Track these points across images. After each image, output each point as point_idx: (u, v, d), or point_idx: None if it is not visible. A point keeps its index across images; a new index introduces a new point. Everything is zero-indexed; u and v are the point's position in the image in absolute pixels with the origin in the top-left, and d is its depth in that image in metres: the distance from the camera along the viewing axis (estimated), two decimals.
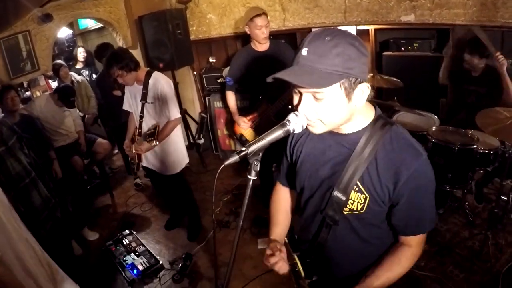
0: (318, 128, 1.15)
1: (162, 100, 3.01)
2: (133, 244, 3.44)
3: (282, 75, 1.06)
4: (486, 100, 3.34)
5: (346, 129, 1.22)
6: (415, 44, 4.11)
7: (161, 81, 3.02)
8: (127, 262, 3.22)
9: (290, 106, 3.36)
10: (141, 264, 3.17)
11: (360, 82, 1.08)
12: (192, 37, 5.02)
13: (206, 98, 5.00)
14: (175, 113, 3.07)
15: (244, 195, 1.21)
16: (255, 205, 3.86)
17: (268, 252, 1.38)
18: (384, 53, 4.22)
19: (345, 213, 1.26)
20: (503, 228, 3.18)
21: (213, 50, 5.38)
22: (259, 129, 3.43)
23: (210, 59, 5.17)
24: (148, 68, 3.16)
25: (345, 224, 1.30)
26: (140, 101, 3.05)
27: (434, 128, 3.14)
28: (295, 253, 1.48)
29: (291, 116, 1.12)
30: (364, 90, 1.10)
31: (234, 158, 1.10)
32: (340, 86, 1.06)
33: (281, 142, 1.26)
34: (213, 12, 4.87)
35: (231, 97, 3.54)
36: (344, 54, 1.02)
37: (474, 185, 3.59)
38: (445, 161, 2.91)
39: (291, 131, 1.12)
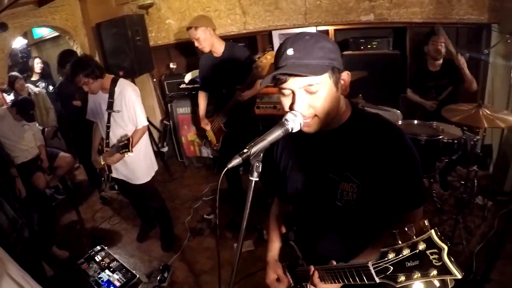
0: (313, 125, 1.22)
1: (130, 108, 3.01)
2: (107, 260, 3.36)
3: (281, 71, 1.14)
4: (448, 92, 3.65)
5: (331, 125, 1.29)
6: (373, 43, 4.32)
7: (127, 88, 3.02)
8: (102, 279, 3.15)
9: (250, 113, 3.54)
10: (118, 280, 3.12)
11: (341, 72, 1.20)
12: (151, 43, 5.01)
13: (168, 105, 5.00)
14: (143, 121, 3.10)
15: (247, 197, 1.23)
16: (226, 208, 3.96)
17: (273, 277, 1.57)
18: (344, 53, 4.40)
19: (343, 204, 1.30)
20: (470, 212, 3.47)
21: (173, 56, 5.41)
22: (214, 132, 3.63)
23: (171, 65, 5.19)
24: (113, 76, 3.15)
25: (344, 214, 1.33)
26: (106, 110, 3.03)
27: (400, 122, 3.35)
28: (291, 240, 1.53)
29: (288, 116, 1.18)
30: (345, 78, 1.22)
31: (237, 160, 1.13)
32: (329, 75, 1.16)
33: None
34: (172, 17, 4.88)
35: (201, 97, 3.72)
36: (325, 47, 1.14)
37: (438, 174, 3.84)
38: None
39: (290, 130, 1.17)
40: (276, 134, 1.16)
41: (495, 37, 3.70)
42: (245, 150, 1.14)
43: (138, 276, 3.17)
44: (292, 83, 1.15)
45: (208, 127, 3.63)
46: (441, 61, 3.68)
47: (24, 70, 5.64)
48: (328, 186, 1.32)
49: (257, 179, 1.18)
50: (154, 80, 5.48)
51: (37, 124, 4.35)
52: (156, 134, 5.36)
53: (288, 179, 1.49)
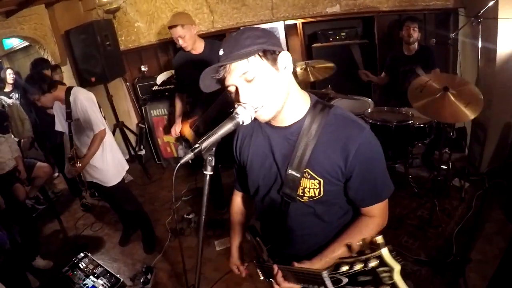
0: (265, 113, 1.22)
1: (84, 115, 3.08)
2: (90, 266, 3.43)
3: (207, 69, 1.21)
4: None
5: (287, 120, 1.29)
6: (342, 34, 4.45)
7: (79, 97, 3.08)
8: (87, 285, 3.21)
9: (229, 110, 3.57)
10: (102, 286, 3.19)
11: (278, 52, 1.19)
12: (122, 47, 5.10)
13: (142, 108, 5.07)
14: (99, 125, 3.13)
15: (203, 192, 1.26)
16: (207, 209, 4.02)
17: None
18: (313, 45, 4.51)
19: (306, 201, 1.31)
20: (448, 195, 3.58)
21: (144, 58, 5.51)
22: (198, 133, 3.59)
23: (142, 68, 5.27)
24: (68, 86, 3.23)
25: (308, 211, 1.36)
26: (66, 120, 3.14)
27: (369, 110, 3.44)
28: (256, 237, 1.58)
29: (239, 109, 1.18)
30: (286, 57, 1.21)
31: (189, 156, 1.15)
32: (261, 58, 1.16)
33: (226, 143, 1.37)
34: (141, 20, 4.96)
35: (176, 98, 3.72)
36: (252, 35, 1.16)
37: (421, 158, 3.97)
38: (384, 139, 3.13)
39: (241, 123, 1.18)
40: (227, 127, 1.17)
41: (462, 21, 3.83)
42: (196, 145, 1.16)
43: (122, 280, 3.25)
44: (229, 78, 1.18)
45: (187, 129, 3.64)
46: (416, 46, 3.81)
47: None
48: (289, 183, 1.32)
49: (211, 173, 1.22)
50: (128, 84, 5.55)
51: (13, 136, 4.39)
52: (133, 138, 5.42)
53: (248, 175, 1.50)
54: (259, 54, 1.15)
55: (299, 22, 4.48)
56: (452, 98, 2.82)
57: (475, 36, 3.34)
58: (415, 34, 3.73)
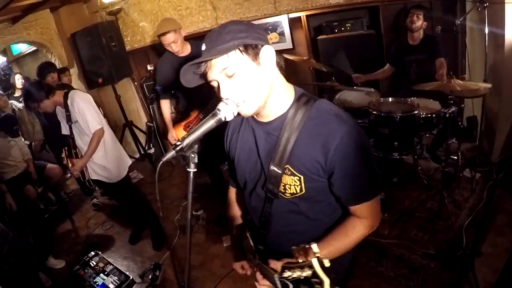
0: (247, 109, 1.20)
1: (81, 116, 3.19)
2: (101, 265, 3.51)
3: (188, 64, 1.18)
4: (427, 66, 3.69)
5: (270, 115, 1.27)
6: (347, 25, 4.37)
7: (75, 99, 3.19)
8: (97, 283, 3.30)
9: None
10: (112, 283, 3.27)
11: (261, 47, 1.16)
12: (128, 47, 5.15)
13: (150, 107, 5.12)
14: (95, 125, 3.22)
15: (187, 189, 1.25)
16: (213, 205, 4.06)
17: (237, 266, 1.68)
18: (319, 37, 4.46)
19: (289, 197, 1.29)
20: (458, 186, 3.50)
21: (151, 57, 5.53)
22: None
23: (148, 67, 5.29)
24: (65, 90, 3.34)
25: (292, 207, 1.33)
26: (67, 123, 3.25)
27: (374, 101, 3.38)
28: (248, 232, 1.56)
29: (221, 105, 1.18)
30: (268, 51, 1.17)
31: (171, 153, 1.15)
32: (242, 53, 1.14)
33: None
34: (145, 19, 4.98)
35: (164, 105, 3.70)
36: (234, 30, 1.13)
37: (425, 151, 3.89)
38: (389, 131, 3.15)
39: (223, 119, 1.17)
40: (208, 124, 1.17)
41: (470, 7, 3.69)
42: (178, 143, 1.16)
43: (131, 277, 3.32)
44: (210, 74, 1.17)
45: (181, 132, 3.61)
46: (421, 35, 3.71)
47: (7, 87, 5.81)
48: (271, 179, 1.30)
49: (195, 169, 1.21)
50: (135, 83, 5.60)
51: (23, 139, 4.50)
52: (142, 137, 5.47)
53: (236, 170, 1.50)
54: (239, 49, 1.13)
55: (303, 14, 4.42)
56: (458, 81, 2.88)
57: (482, 22, 3.24)
58: (419, 22, 3.64)
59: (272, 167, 1.28)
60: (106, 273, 3.40)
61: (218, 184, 4.02)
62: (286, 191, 1.29)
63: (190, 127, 3.57)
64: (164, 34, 3.19)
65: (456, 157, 3.50)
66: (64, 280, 3.62)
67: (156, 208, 3.91)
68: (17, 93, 5.38)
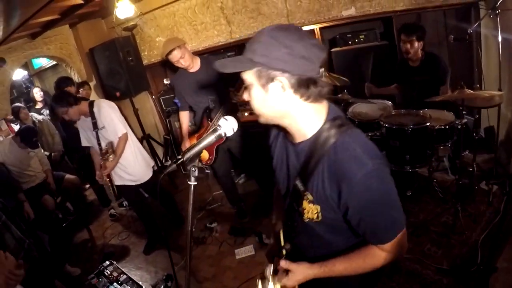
0: (259, 118, 1.23)
1: (108, 121, 3.40)
2: (115, 274, 3.53)
3: (227, 60, 1.21)
4: (430, 88, 3.47)
5: (295, 137, 1.26)
6: (361, 36, 4.39)
7: (103, 105, 3.43)
8: None
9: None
10: None
11: (277, 76, 1.10)
12: (145, 61, 5.25)
13: (167, 120, 5.19)
14: (121, 129, 3.46)
15: (188, 201, 1.32)
16: (229, 217, 4.11)
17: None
18: (332, 50, 4.47)
19: (306, 221, 1.30)
20: (474, 199, 3.40)
21: (168, 71, 5.63)
22: (210, 146, 3.57)
23: (165, 81, 5.38)
24: (89, 100, 3.57)
25: (309, 230, 1.35)
26: (93, 130, 3.41)
27: (386, 113, 3.35)
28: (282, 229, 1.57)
29: (221, 121, 1.26)
30: (280, 86, 1.12)
31: (172, 167, 1.25)
32: (254, 75, 1.12)
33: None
34: (161, 34, 5.08)
35: (182, 118, 3.84)
36: (266, 43, 1.08)
37: (447, 160, 3.80)
38: (401, 143, 3.12)
39: (223, 135, 1.25)
40: (209, 139, 1.24)
41: (483, 14, 3.65)
42: (179, 157, 1.23)
43: (144, 287, 3.35)
44: (241, 73, 1.17)
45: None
46: (420, 55, 3.48)
47: (30, 99, 6.02)
48: (294, 196, 1.31)
49: (195, 183, 1.28)
50: (153, 97, 5.70)
51: (43, 150, 4.63)
52: (160, 150, 5.54)
53: (275, 173, 1.51)
54: (253, 71, 1.12)
55: (316, 27, 4.45)
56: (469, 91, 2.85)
57: (496, 29, 3.19)
58: (414, 47, 3.40)
59: (295, 188, 1.30)
60: (119, 282, 3.42)
61: (234, 196, 4.12)
62: (305, 214, 1.30)
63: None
64: (170, 52, 3.34)
65: (471, 169, 3.41)
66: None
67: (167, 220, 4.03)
68: (38, 106, 5.56)
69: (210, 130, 1.25)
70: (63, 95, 3.36)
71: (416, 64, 3.56)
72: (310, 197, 1.24)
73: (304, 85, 1.12)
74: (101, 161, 3.47)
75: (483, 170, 3.63)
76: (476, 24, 3.44)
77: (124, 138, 3.49)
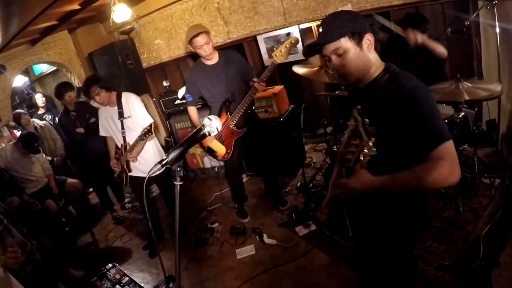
0: (348, 80, 1.55)
1: (136, 111, 3.55)
2: (117, 276, 3.55)
3: (306, 44, 1.52)
4: (429, 74, 3.44)
5: (365, 81, 1.55)
6: None
7: (131, 97, 3.60)
8: None
9: (249, 111, 3.59)
10: None
11: (363, 34, 1.46)
12: (145, 64, 5.29)
13: (167, 122, 5.20)
14: (149, 118, 3.58)
15: (175, 201, 1.33)
16: (229, 217, 4.12)
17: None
18: None
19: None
20: (475, 193, 3.34)
21: (168, 73, 5.64)
22: (222, 140, 3.57)
23: (164, 83, 5.40)
24: (117, 92, 3.68)
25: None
26: (119, 119, 3.54)
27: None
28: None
29: (205, 121, 1.30)
30: (369, 39, 1.48)
31: (157, 167, 1.26)
32: (349, 39, 1.44)
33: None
34: (159, 37, 5.12)
35: (192, 112, 3.76)
36: (344, 20, 1.45)
37: None
38: None
39: (207, 134, 1.29)
40: (194, 139, 1.27)
41: (481, 6, 3.61)
42: (164, 157, 1.24)
43: None
44: (325, 52, 1.50)
45: (211, 140, 3.55)
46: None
47: (32, 105, 6.08)
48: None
49: (181, 183, 1.27)
50: (154, 99, 5.73)
51: (44, 155, 4.67)
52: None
53: None
54: (348, 35, 1.44)
55: (313, 24, 4.44)
56: (467, 83, 2.85)
57: (493, 20, 3.14)
58: (419, 37, 3.29)
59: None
60: (122, 284, 3.44)
61: (237, 196, 4.11)
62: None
63: (219, 133, 3.46)
64: (196, 35, 3.25)
65: (472, 162, 3.36)
66: None
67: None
68: (40, 111, 5.61)
69: (195, 130, 1.25)
70: (101, 78, 3.57)
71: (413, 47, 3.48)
72: (371, 121, 1.37)
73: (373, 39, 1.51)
74: (125, 154, 3.58)
75: (485, 164, 3.57)
76: (473, 16, 3.39)
77: (154, 126, 3.51)
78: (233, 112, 3.43)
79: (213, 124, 1.27)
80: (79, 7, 3.82)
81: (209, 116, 1.28)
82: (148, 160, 3.62)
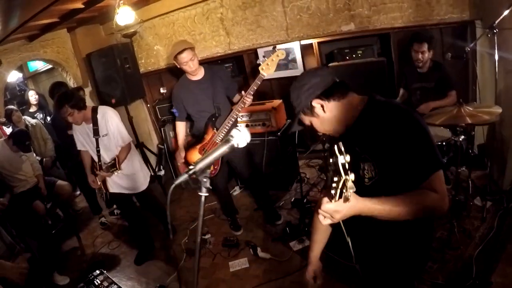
0: (334, 133, 1.62)
1: (113, 129, 3.38)
2: (105, 284, 3.42)
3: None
4: (432, 95, 3.64)
5: (348, 125, 1.56)
6: (358, 52, 4.44)
7: (108, 112, 3.39)
8: None
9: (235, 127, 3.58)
10: None
11: (310, 105, 1.52)
12: (142, 69, 5.24)
13: (162, 129, 5.17)
14: (127, 137, 3.50)
15: (199, 213, 1.33)
16: (222, 228, 4.09)
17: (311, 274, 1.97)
18: (330, 64, 4.51)
19: (368, 184, 1.49)
20: (468, 215, 3.41)
21: (164, 80, 5.60)
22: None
23: (161, 90, 5.36)
24: (92, 105, 3.49)
25: (372, 194, 1.38)
26: (94, 137, 3.35)
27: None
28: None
29: (234, 132, 1.27)
30: (318, 103, 1.51)
31: (184, 177, 1.22)
32: (304, 114, 1.57)
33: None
34: (159, 43, 5.10)
35: (179, 128, 3.77)
36: (293, 99, 1.58)
37: None
38: None
39: (235, 146, 1.26)
40: (221, 150, 1.24)
41: (480, 33, 3.70)
42: (191, 167, 1.21)
43: None
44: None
45: (197, 156, 3.57)
46: (428, 62, 3.65)
47: (23, 102, 5.95)
48: (355, 165, 1.47)
49: (207, 194, 1.26)
50: (148, 105, 5.67)
51: (35, 155, 4.55)
52: (153, 159, 5.49)
53: None
54: (301, 113, 1.57)
55: (314, 41, 4.51)
56: (468, 108, 2.89)
57: (492, 48, 3.26)
58: (425, 56, 3.56)
59: (356, 149, 1.57)
60: None
61: (229, 208, 4.08)
62: (365, 175, 1.52)
63: (204, 150, 3.53)
64: (181, 52, 3.25)
65: (466, 185, 3.44)
66: None
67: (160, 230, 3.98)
68: (32, 109, 5.50)
69: (223, 141, 1.24)
70: (73, 95, 3.27)
71: (424, 70, 3.70)
72: (367, 157, 1.48)
73: (329, 94, 1.52)
74: (101, 171, 3.43)
75: (477, 187, 3.66)
76: (474, 43, 3.52)
77: (128, 147, 3.50)
78: (219, 127, 3.43)
79: (242, 136, 1.24)
80: (83, 6, 3.77)
81: (238, 128, 1.26)
82: (132, 175, 3.60)
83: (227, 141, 1.24)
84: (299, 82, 1.55)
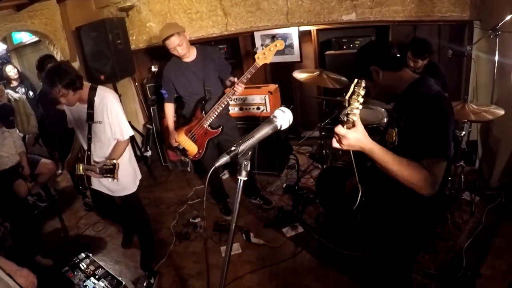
0: (384, 99, 2.01)
1: (113, 119, 2.82)
2: (91, 268, 3.31)
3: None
4: None
5: (397, 93, 1.80)
6: (356, 42, 4.44)
7: (109, 97, 2.81)
8: (88, 287, 3.16)
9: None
10: None
11: (369, 69, 1.78)
12: (132, 46, 5.06)
13: (151, 109, 5.06)
14: (129, 131, 2.94)
15: (236, 197, 1.27)
16: (212, 212, 4.06)
17: None
18: (327, 53, 4.51)
19: (389, 147, 1.63)
20: (458, 208, 3.55)
21: (154, 59, 5.46)
22: (195, 139, 3.53)
23: (153, 68, 5.23)
24: (90, 84, 2.89)
25: None
26: (86, 121, 2.82)
27: (385, 120, 3.44)
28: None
29: (277, 112, 1.23)
30: (374, 69, 1.78)
31: (225, 159, 1.15)
32: (366, 80, 1.53)
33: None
34: (153, 20, 4.94)
35: (168, 109, 3.71)
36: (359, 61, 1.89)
37: None
38: None
39: (279, 127, 1.22)
40: (264, 131, 1.20)
41: (478, 34, 3.82)
42: (233, 148, 1.15)
43: (124, 283, 3.15)
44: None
45: (182, 138, 3.55)
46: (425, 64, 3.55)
47: (2, 77, 5.66)
48: (385, 129, 1.89)
49: (246, 178, 1.20)
50: (136, 84, 5.52)
51: (18, 131, 4.36)
52: (139, 139, 5.39)
53: None
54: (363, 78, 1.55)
55: (313, 28, 4.48)
56: (472, 105, 3.03)
57: (492, 49, 3.34)
58: (419, 64, 3.47)
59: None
60: (97, 277, 3.22)
61: (219, 192, 4.04)
62: (389, 139, 1.78)
63: (191, 132, 3.49)
64: (168, 38, 3.17)
65: (457, 180, 3.52)
66: (51, 281, 3.42)
67: (152, 212, 3.84)
68: (13, 84, 5.26)
69: (266, 121, 1.18)
70: (68, 72, 2.59)
71: (420, 70, 3.61)
72: (393, 124, 1.74)
73: (385, 64, 1.78)
74: (92, 172, 2.87)
75: (467, 182, 3.77)
76: (475, 43, 3.61)
77: (127, 142, 2.98)
78: (208, 111, 3.39)
79: (286, 117, 1.19)
80: None
81: (281, 108, 1.20)
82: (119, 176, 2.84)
83: (270, 122, 1.19)
84: (365, 48, 1.89)
